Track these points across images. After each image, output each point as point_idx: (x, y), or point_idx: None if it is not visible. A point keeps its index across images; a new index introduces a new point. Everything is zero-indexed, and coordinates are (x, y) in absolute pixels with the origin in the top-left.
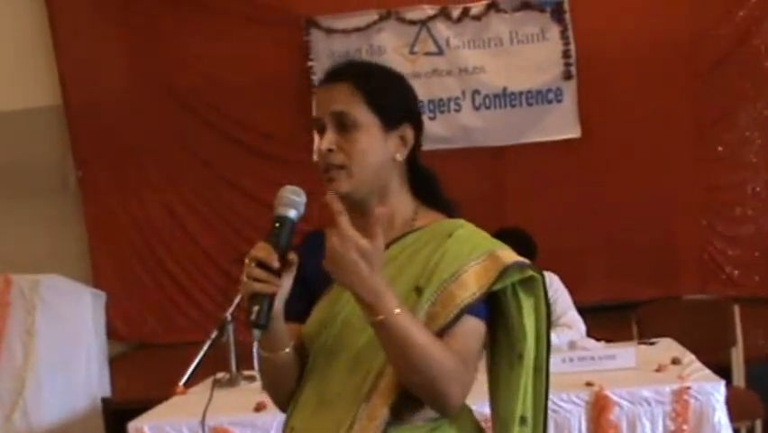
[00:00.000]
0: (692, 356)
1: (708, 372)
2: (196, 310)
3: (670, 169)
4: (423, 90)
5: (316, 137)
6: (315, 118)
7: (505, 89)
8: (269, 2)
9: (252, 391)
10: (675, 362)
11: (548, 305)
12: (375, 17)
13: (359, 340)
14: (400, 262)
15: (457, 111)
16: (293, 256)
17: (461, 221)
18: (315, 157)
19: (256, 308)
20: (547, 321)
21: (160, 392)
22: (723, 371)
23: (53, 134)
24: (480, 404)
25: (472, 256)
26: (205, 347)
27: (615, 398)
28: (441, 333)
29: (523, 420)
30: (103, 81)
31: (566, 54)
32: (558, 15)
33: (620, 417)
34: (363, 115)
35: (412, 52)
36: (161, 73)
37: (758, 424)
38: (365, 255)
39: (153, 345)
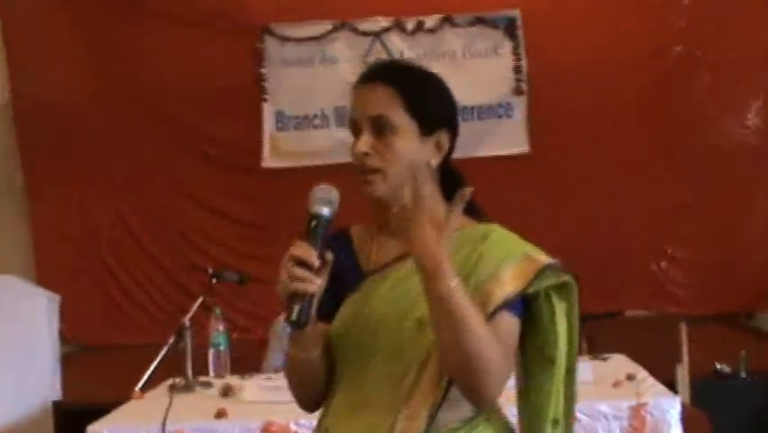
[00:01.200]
0: (646, 373)
1: (663, 388)
2: (141, 314)
3: (618, 186)
4: None
5: (353, 138)
6: (351, 119)
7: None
8: (224, 8)
9: (209, 397)
10: (630, 377)
11: (580, 310)
12: (329, 27)
13: (395, 339)
14: None
15: None
16: (329, 255)
17: (495, 225)
18: (351, 158)
19: (297, 307)
20: (578, 326)
21: (109, 396)
22: (668, 387)
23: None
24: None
25: (509, 257)
26: (163, 352)
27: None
28: None
29: (555, 423)
30: (54, 82)
31: (517, 70)
32: (511, 32)
33: (578, 430)
34: (401, 120)
35: (365, 63)
36: (114, 77)
37: None
38: (436, 226)
39: (97, 348)
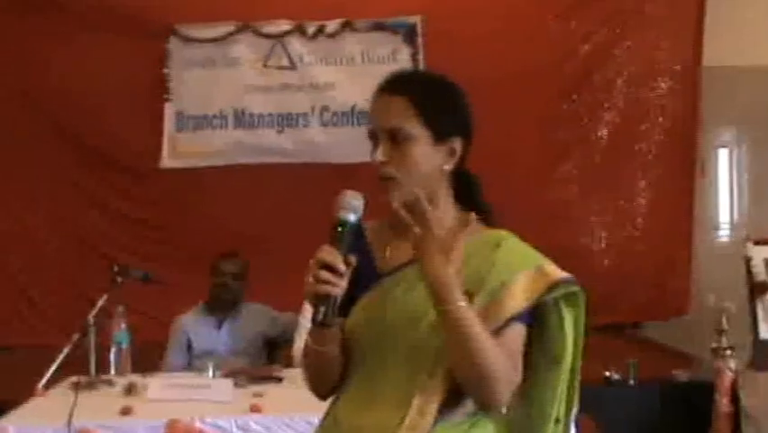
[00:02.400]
0: None
1: None
2: (39, 316)
3: (512, 192)
4: (273, 104)
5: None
6: (369, 129)
7: (354, 107)
8: (127, 8)
9: (114, 394)
10: None
11: (587, 316)
12: (232, 29)
13: (408, 341)
14: None
15: (305, 126)
16: (353, 258)
17: (506, 232)
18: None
19: (323, 309)
20: (585, 331)
21: (8, 395)
22: None
23: None
24: None
25: (521, 268)
26: (66, 350)
27: None
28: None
29: (557, 421)
30: None
31: None
32: (410, 38)
33: None
34: (415, 129)
35: (266, 66)
36: (13, 77)
37: None
38: (443, 249)
39: None
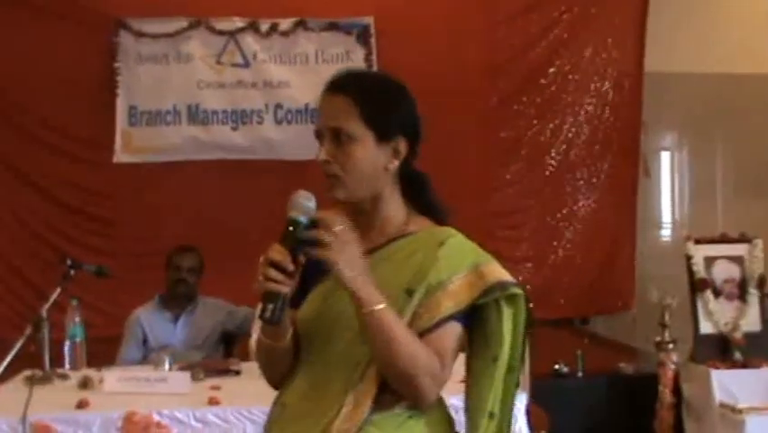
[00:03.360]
0: None
1: None
2: None
3: (459, 192)
4: (227, 100)
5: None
6: (315, 128)
7: (307, 106)
8: (78, 0)
9: (69, 388)
10: None
11: (529, 314)
12: (185, 24)
13: (351, 331)
14: (394, 264)
15: (259, 123)
16: (302, 259)
17: (451, 230)
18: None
19: (270, 306)
20: (525, 329)
21: None
22: None
23: None
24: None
25: (461, 268)
26: (19, 344)
27: None
28: (422, 333)
29: (491, 415)
30: None
31: None
32: (364, 39)
33: None
34: (358, 129)
35: (219, 62)
36: None
37: None
38: (355, 255)
39: None
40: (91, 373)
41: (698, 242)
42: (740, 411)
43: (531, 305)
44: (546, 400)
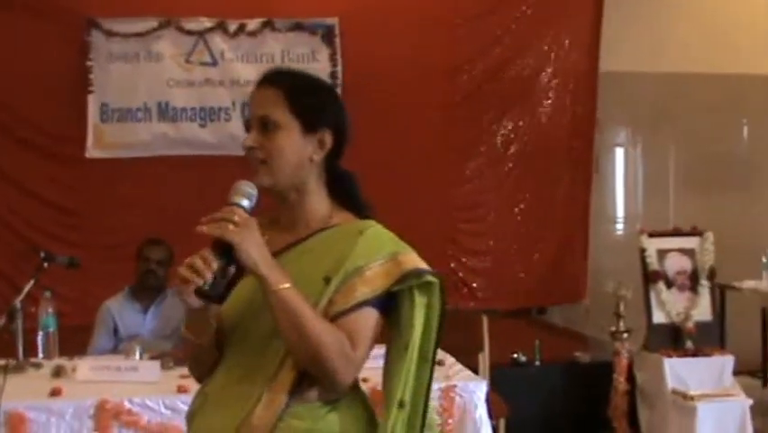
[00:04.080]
0: (453, 359)
1: (470, 372)
2: None
3: (422, 188)
4: (195, 98)
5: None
6: (245, 121)
7: None
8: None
9: (41, 377)
10: (439, 363)
11: (443, 304)
12: (155, 24)
13: (268, 323)
14: (316, 255)
15: (227, 120)
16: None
17: (372, 222)
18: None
19: (211, 279)
20: (440, 319)
21: None
22: None
23: None
24: None
25: (378, 256)
26: None
27: None
28: (336, 317)
29: (401, 404)
30: None
31: (333, 75)
32: (329, 39)
33: None
34: (284, 118)
35: (188, 61)
36: None
37: (502, 422)
38: (258, 239)
39: None
40: (64, 362)
41: (651, 235)
42: (692, 398)
43: (445, 295)
44: (505, 389)
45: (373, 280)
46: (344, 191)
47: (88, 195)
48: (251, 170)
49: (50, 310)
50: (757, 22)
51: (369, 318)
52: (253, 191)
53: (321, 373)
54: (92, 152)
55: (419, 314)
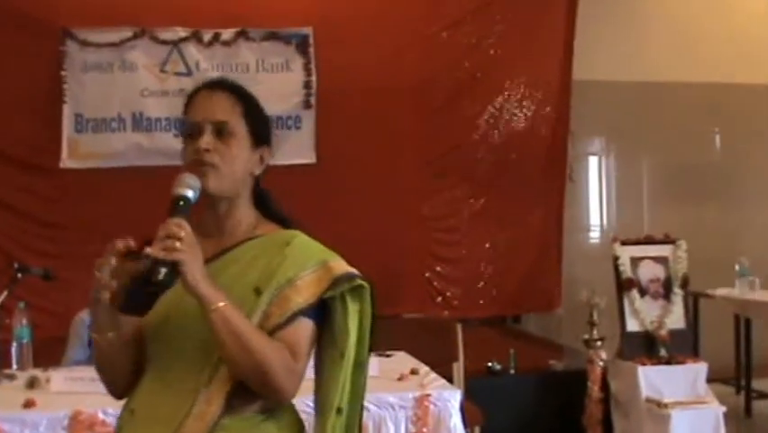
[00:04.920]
0: (427, 368)
1: (444, 381)
2: None
3: (396, 197)
4: (170, 108)
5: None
6: (192, 122)
7: None
8: (25, 9)
9: (16, 388)
10: (414, 372)
11: (374, 309)
12: (129, 34)
13: (201, 333)
14: (242, 265)
15: None
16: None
17: (297, 232)
18: (185, 157)
19: (164, 270)
20: (371, 324)
21: None
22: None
23: None
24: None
25: (308, 265)
26: None
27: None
28: (274, 330)
29: (339, 411)
30: None
31: (307, 85)
32: (303, 49)
33: (367, 419)
34: (240, 128)
35: (162, 71)
36: None
37: (477, 431)
38: (197, 257)
39: None
40: (38, 373)
41: (624, 243)
42: (665, 406)
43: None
44: (480, 397)
45: (306, 290)
46: (267, 206)
47: (63, 206)
48: (194, 171)
49: (25, 321)
50: (730, 32)
51: (306, 329)
52: (197, 184)
53: (265, 389)
54: (67, 162)
55: (353, 321)
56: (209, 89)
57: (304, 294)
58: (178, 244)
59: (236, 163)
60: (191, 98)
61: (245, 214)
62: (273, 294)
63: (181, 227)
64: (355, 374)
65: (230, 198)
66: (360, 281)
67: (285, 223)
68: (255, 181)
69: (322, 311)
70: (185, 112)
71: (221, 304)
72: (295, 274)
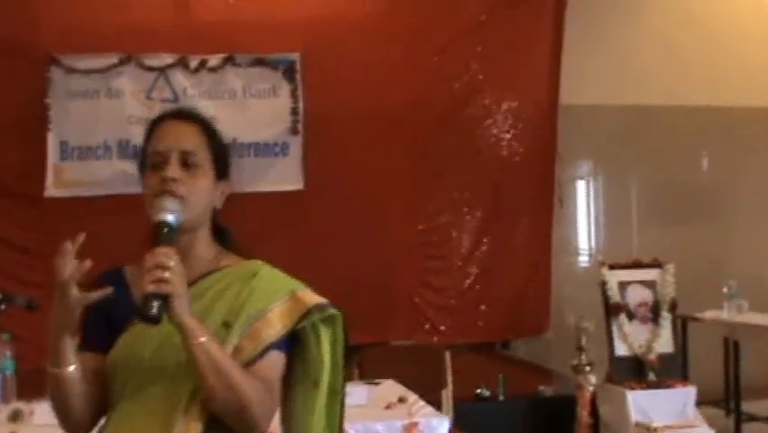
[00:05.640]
0: (415, 396)
1: (432, 409)
2: None
3: (385, 223)
4: None
5: (151, 170)
6: (157, 151)
7: (235, 140)
8: (9, 35)
9: None
10: (402, 400)
11: (346, 336)
12: (115, 60)
13: (169, 370)
14: (209, 298)
15: None
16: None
17: (261, 262)
18: (149, 187)
19: (157, 303)
20: (344, 351)
21: None
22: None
23: None
24: None
25: (277, 296)
26: None
27: (352, 432)
28: (247, 364)
29: None
30: None
31: (294, 111)
32: (289, 75)
33: None
34: (205, 161)
35: (149, 98)
36: None
37: None
38: (183, 292)
39: None
40: (21, 405)
41: (612, 267)
42: (655, 430)
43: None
44: (469, 424)
45: (277, 321)
46: (225, 235)
47: (48, 234)
48: (153, 199)
49: (8, 353)
50: (716, 55)
51: (278, 362)
52: (177, 207)
53: (242, 424)
54: (51, 190)
55: (326, 349)
56: (174, 119)
57: (275, 326)
58: (167, 275)
59: (202, 196)
60: (154, 127)
61: (207, 246)
62: (243, 327)
63: (169, 257)
64: (330, 403)
65: (193, 230)
66: (331, 311)
67: (245, 253)
68: (215, 214)
69: (291, 342)
70: (147, 141)
71: (203, 339)
72: (265, 306)
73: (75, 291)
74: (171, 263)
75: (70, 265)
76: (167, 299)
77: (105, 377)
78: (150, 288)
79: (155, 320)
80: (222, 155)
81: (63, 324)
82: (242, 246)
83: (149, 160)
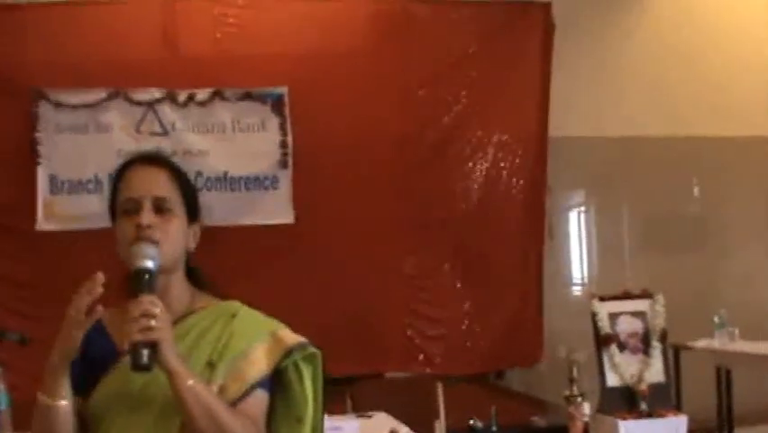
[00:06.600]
0: (407, 428)
1: None
2: None
3: (376, 256)
4: None
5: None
6: (130, 198)
7: (226, 173)
8: None
9: None
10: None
11: (325, 374)
12: (104, 95)
13: (155, 410)
14: (192, 338)
15: None
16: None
17: (237, 303)
18: (124, 234)
19: (146, 352)
20: (323, 388)
21: None
22: None
23: None
24: None
25: (258, 336)
26: None
27: None
28: (233, 404)
29: None
30: None
31: (283, 144)
32: (278, 108)
33: None
34: (177, 206)
35: (138, 131)
36: None
37: None
38: (168, 335)
39: None
40: None
41: (602, 299)
42: None
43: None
44: None
45: (259, 361)
46: (198, 276)
47: (40, 267)
48: (128, 247)
49: (2, 387)
50: (705, 85)
51: (263, 400)
52: (155, 252)
53: None
54: (42, 224)
55: (309, 386)
56: (145, 163)
57: (257, 365)
58: (153, 323)
59: (175, 241)
60: (124, 172)
61: (181, 289)
62: (228, 367)
63: (155, 304)
64: None
65: (169, 273)
66: (311, 349)
67: (217, 293)
68: (188, 255)
69: (272, 380)
70: (116, 186)
71: (191, 382)
72: (246, 346)
73: (87, 324)
74: (157, 311)
75: (89, 298)
76: (155, 346)
77: (82, 419)
78: (138, 336)
79: (147, 369)
80: (192, 198)
81: (67, 355)
82: (215, 287)
83: (121, 206)
